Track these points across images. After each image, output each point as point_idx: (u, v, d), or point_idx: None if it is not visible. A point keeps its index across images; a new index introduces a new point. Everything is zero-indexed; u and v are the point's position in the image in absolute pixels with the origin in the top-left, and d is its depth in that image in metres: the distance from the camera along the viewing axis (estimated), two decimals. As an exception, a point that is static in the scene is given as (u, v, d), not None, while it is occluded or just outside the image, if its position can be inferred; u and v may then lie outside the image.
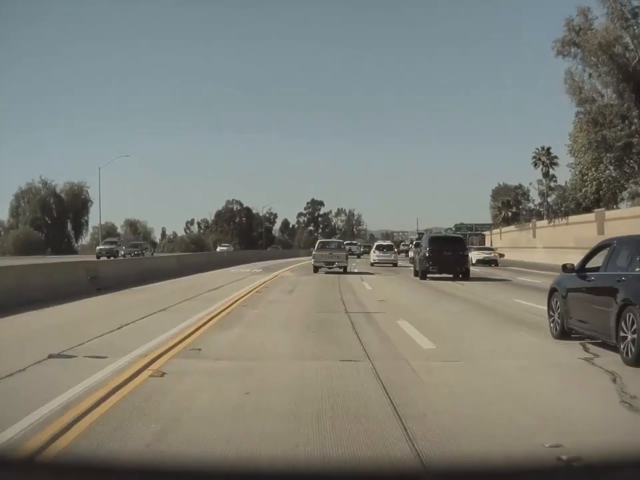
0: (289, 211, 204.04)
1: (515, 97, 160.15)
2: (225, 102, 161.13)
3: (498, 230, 74.32)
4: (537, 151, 68.85)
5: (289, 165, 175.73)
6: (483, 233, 74.41)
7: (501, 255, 47.43)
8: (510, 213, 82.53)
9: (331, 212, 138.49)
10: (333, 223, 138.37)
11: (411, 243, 54.41)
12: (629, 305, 7.26)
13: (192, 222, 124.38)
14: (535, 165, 69.01)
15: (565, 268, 9.46)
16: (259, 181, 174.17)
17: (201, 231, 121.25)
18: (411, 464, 4.01)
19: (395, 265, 38.34)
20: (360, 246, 70.56)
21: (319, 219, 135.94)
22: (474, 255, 39.89)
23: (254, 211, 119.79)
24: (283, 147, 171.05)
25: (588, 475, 2.46)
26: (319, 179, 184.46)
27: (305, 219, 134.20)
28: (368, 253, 51.28)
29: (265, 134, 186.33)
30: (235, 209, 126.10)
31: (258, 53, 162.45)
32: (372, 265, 37.50)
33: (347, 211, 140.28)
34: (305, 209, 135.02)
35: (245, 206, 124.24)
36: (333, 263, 29.07)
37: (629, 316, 7.21)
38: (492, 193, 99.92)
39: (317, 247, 30.55)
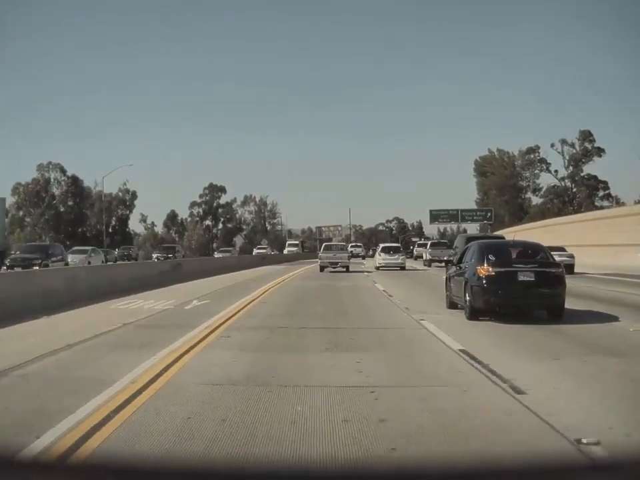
0: (179, 201, 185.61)
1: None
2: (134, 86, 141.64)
3: None
4: None
5: (186, 149, 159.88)
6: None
7: None
8: None
9: (235, 200, 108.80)
10: (238, 215, 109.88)
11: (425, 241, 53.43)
12: (467, 282, 12.73)
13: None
14: None
15: (453, 263, 15.06)
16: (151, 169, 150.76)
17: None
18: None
19: (403, 268, 36.43)
20: (363, 248, 74.48)
21: (219, 210, 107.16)
22: None
23: (91, 187, 76.71)
24: (182, 132, 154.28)
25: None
26: (220, 164, 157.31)
27: (201, 210, 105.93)
28: (372, 256, 51.18)
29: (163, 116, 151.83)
30: (51, 179, 76.02)
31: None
32: (377, 268, 36.09)
33: (258, 199, 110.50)
34: (201, 196, 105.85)
35: (70, 175, 75.78)
36: (336, 263, 33.30)
37: (467, 287, 12.67)
38: (475, 164, 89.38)
39: (323, 249, 35.06)
